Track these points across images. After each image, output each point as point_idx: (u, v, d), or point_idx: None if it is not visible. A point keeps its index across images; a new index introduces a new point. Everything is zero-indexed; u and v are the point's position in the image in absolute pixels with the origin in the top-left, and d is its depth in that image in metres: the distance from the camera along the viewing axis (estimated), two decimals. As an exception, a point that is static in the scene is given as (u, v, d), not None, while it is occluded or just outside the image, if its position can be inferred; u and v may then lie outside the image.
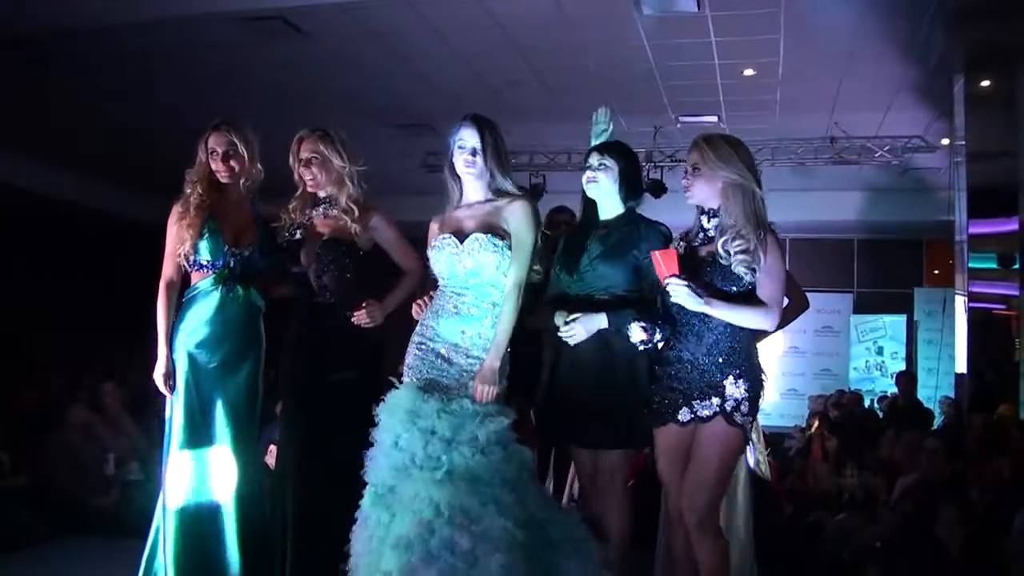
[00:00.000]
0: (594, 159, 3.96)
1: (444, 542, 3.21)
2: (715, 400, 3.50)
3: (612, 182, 3.92)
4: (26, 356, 11.02)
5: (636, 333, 3.66)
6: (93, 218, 12.85)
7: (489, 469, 3.39)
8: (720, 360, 3.52)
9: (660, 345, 3.72)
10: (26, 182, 11.48)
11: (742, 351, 3.54)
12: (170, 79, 8.95)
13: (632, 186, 3.96)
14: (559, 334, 3.83)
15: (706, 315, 3.53)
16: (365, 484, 3.51)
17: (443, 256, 3.67)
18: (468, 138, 3.68)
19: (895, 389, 11.30)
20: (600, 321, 3.74)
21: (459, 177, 3.74)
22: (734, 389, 3.50)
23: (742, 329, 3.54)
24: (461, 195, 3.78)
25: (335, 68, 8.65)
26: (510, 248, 3.65)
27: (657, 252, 3.50)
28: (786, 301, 3.99)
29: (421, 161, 10.84)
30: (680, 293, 3.43)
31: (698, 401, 3.52)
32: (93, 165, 11.97)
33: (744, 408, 3.50)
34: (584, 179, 3.96)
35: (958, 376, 8.18)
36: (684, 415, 3.55)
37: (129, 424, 7.57)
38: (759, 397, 3.57)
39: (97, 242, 12.82)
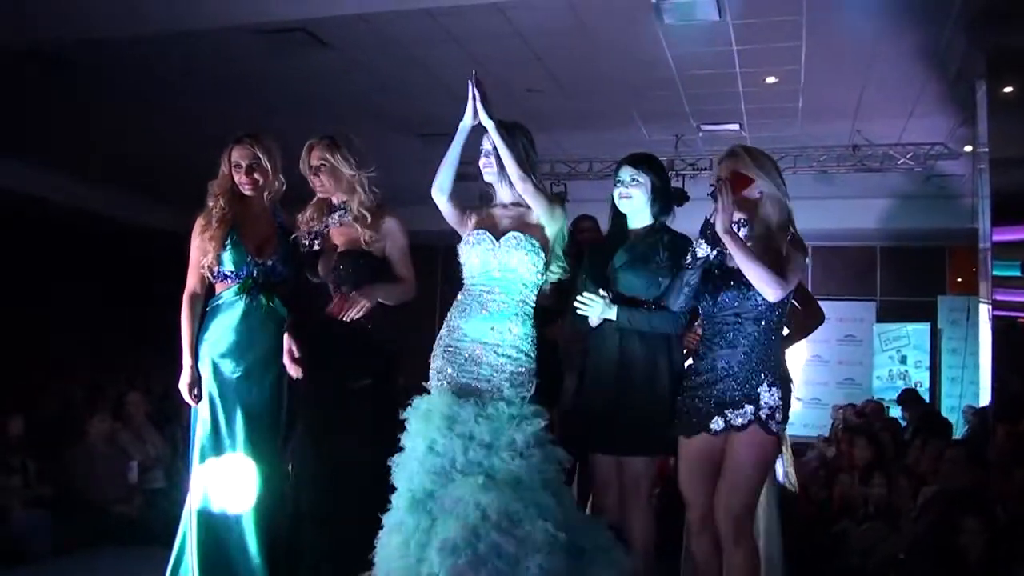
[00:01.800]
0: (626, 174, 3.95)
1: (491, 547, 3.23)
2: (749, 408, 3.46)
3: (645, 197, 3.93)
4: (49, 365, 11.12)
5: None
6: (117, 226, 12.95)
7: (529, 472, 3.42)
8: (757, 366, 3.49)
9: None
10: (49, 191, 11.57)
11: (775, 357, 3.53)
12: (192, 90, 9.02)
13: (665, 200, 3.97)
14: (576, 301, 3.84)
15: (739, 323, 3.52)
16: (379, 488, 3.51)
17: (477, 251, 3.71)
18: (485, 141, 3.74)
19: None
20: (609, 313, 3.77)
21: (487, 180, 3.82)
22: (769, 396, 3.47)
23: (774, 335, 3.52)
24: (496, 195, 3.85)
25: (356, 78, 8.69)
26: (544, 249, 3.69)
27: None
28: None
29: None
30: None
31: (731, 410, 3.49)
32: (117, 174, 12.07)
33: (778, 416, 3.47)
34: (616, 195, 3.96)
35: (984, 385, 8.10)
36: (716, 424, 3.51)
37: (153, 433, 7.62)
38: (789, 404, 3.54)
39: (121, 251, 12.91)
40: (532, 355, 3.70)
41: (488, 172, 3.78)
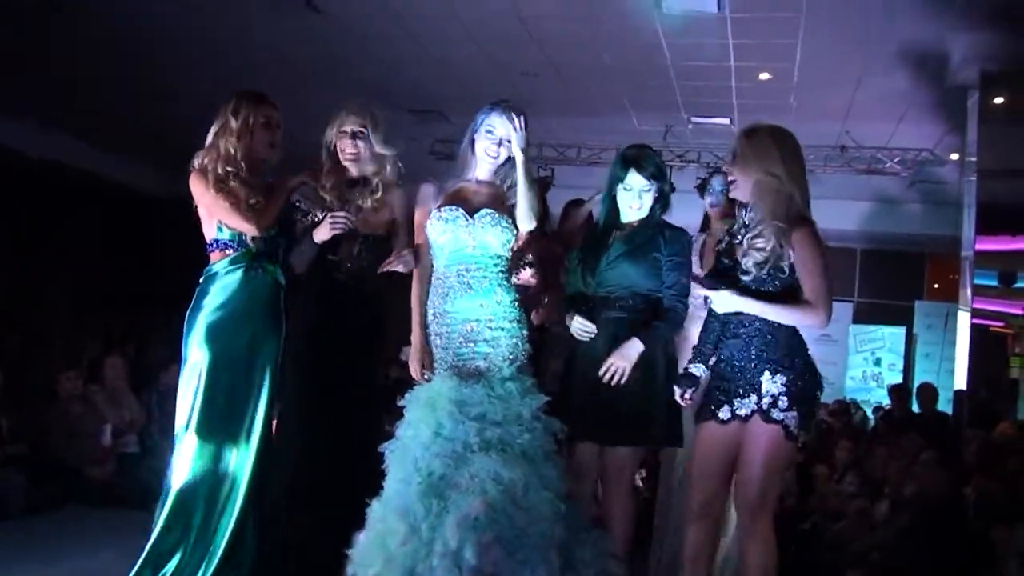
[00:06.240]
0: (636, 183, 3.89)
1: (509, 520, 3.25)
2: (752, 398, 3.45)
3: (652, 203, 3.93)
4: (28, 325, 11.01)
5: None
6: (100, 188, 12.78)
7: (534, 444, 3.45)
8: (756, 355, 3.48)
9: None
10: (30, 147, 11.35)
11: (780, 345, 3.49)
12: (184, 52, 8.89)
13: (666, 201, 3.98)
14: (575, 332, 3.84)
15: (740, 313, 3.51)
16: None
17: (450, 228, 3.65)
18: (499, 127, 3.68)
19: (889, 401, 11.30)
20: (636, 347, 3.75)
21: (475, 155, 3.75)
22: (771, 385, 3.44)
23: (780, 324, 3.50)
24: (472, 170, 3.78)
25: (348, 48, 8.58)
26: (515, 227, 3.69)
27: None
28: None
29: (428, 148, 10.79)
30: (720, 301, 3.48)
31: (738, 399, 3.49)
32: (99, 136, 11.84)
33: (783, 403, 3.43)
34: (624, 203, 3.92)
35: (956, 392, 8.16)
36: (724, 413, 3.51)
37: (129, 398, 7.56)
38: (807, 390, 3.50)
39: (104, 213, 12.76)
40: (522, 320, 3.70)
41: (491, 158, 3.71)
